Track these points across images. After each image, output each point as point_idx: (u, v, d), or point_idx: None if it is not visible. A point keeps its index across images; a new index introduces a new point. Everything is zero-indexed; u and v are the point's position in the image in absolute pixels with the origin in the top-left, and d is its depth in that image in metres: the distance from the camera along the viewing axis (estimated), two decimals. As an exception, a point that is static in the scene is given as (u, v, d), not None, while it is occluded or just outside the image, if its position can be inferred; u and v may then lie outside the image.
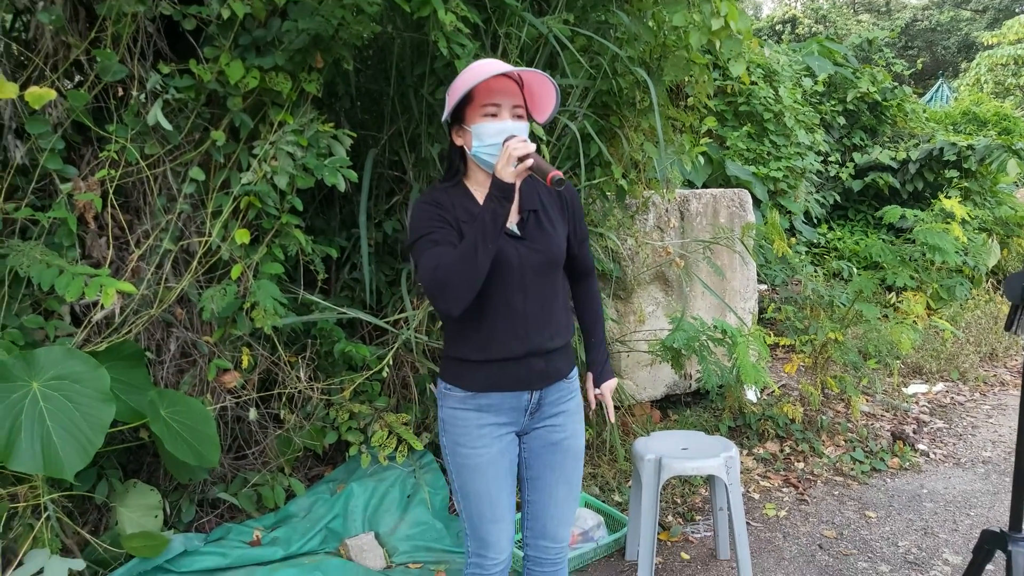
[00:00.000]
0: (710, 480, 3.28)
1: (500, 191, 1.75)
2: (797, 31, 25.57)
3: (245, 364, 2.98)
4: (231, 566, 2.79)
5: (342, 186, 2.87)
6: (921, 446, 4.48)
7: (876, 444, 4.41)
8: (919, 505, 3.76)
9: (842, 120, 9.05)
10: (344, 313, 3.22)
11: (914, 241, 4.31)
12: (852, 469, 4.15)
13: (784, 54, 8.75)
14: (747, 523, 3.51)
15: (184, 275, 2.87)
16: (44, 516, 2.42)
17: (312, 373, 3.24)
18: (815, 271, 6.58)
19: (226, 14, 2.63)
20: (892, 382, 5.65)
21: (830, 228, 8.66)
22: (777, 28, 25.94)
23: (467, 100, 1.90)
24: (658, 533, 3.28)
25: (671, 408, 4.84)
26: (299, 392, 3.20)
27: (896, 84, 9.49)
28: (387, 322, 3.36)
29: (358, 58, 3.40)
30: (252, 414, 3.09)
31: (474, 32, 3.08)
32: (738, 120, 7.45)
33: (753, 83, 7.41)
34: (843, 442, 4.46)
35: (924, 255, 4.36)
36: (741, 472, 4.00)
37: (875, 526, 3.54)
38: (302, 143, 2.82)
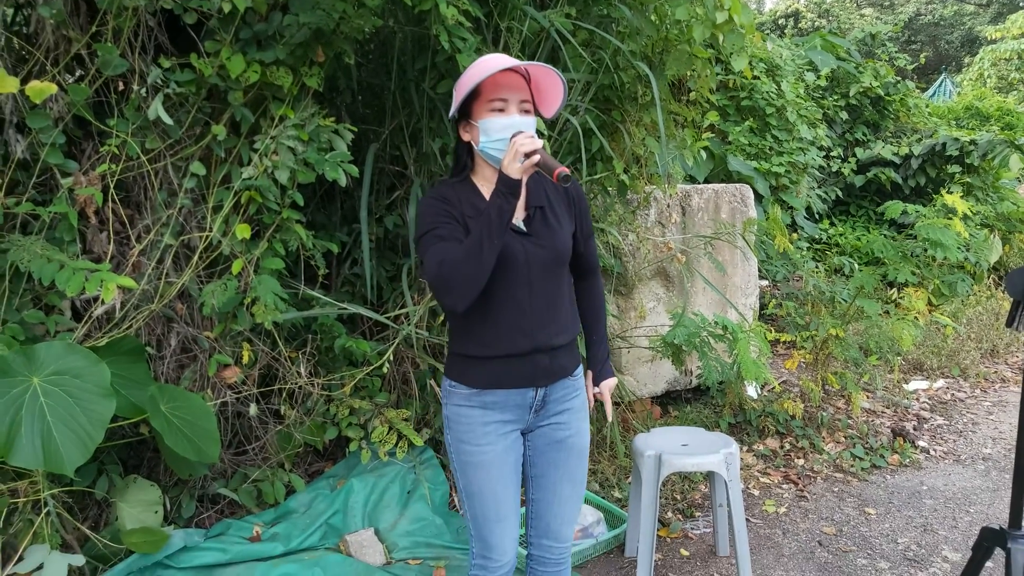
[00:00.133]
0: (710, 476, 3.28)
1: (507, 187, 1.75)
2: (800, 25, 25.49)
3: (245, 359, 2.98)
4: (231, 562, 2.79)
5: (343, 181, 2.86)
6: (921, 443, 4.48)
7: (876, 441, 4.41)
8: (919, 502, 3.76)
9: (844, 115, 9.03)
10: (345, 309, 3.22)
11: (916, 237, 4.30)
12: (852, 466, 4.15)
13: (787, 48, 8.72)
14: (747, 519, 3.52)
15: (185, 270, 2.87)
16: (44, 511, 2.42)
17: (312, 369, 3.24)
18: (816, 267, 6.56)
19: (227, 8, 2.62)
20: (893, 378, 5.65)
21: (832, 224, 8.65)
22: (780, 22, 25.86)
23: (474, 96, 1.89)
24: (658, 529, 3.28)
25: (671, 404, 4.84)
26: (299, 388, 3.20)
27: (899, 79, 9.46)
28: (388, 318, 3.36)
29: (359, 52, 3.38)
30: (252, 409, 3.09)
31: (476, 26, 3.07)
32: (740, 115, 7.43)
33: (755, 78, 7.39)
34: (843, 438, 4.46)
35: (926, 251, 4.35)
36: (741, 468, 4.00)
37: (875, 523, 3.55)
38: (303, 138, 2.82)
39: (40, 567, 2.33)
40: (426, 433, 3.42)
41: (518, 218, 1.95)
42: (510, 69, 1.85)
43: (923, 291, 4.75)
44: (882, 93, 9.13)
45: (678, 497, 3.76)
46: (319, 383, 3.20)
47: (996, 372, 6.03)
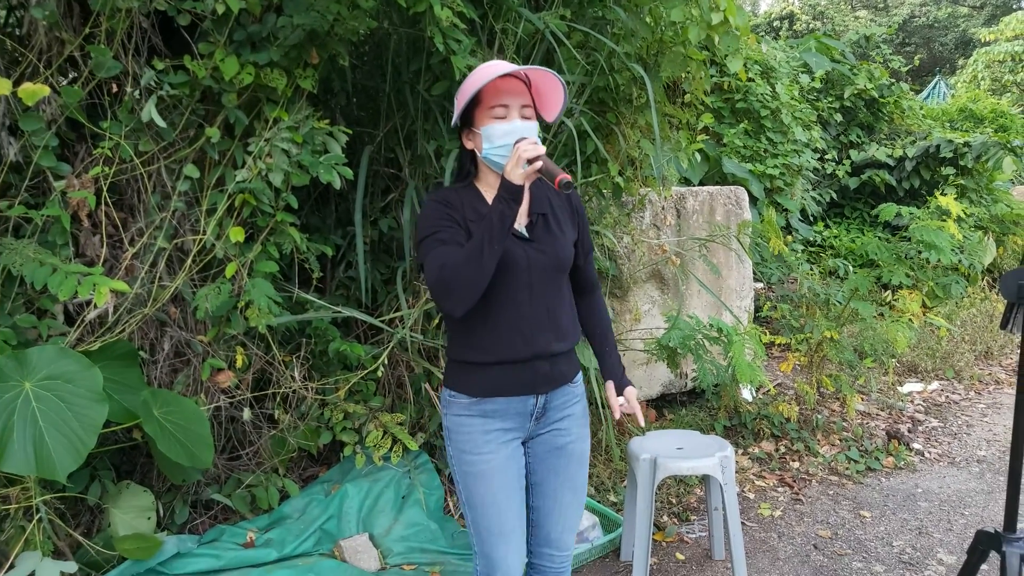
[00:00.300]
0: (705, 480, 3.28)
1: (509, 192, 1.74)
2: (795, 27, 25.54)
3: (239, 363, 2.97)
4: (225, 568, 2.78)
5: (337, 183, 2.85)
6: (916, 445, 4.48)
7: (871, 443, 4.42)
8: (914, 504, 3.76)
9: (839, 117, 9.04)
10: (339, 312, 3.20)
11: (910, 239, 4.31)
12: (847, 468, 4.15)
13: (781, 50, 8.73)
14: (742, 523, 3.51)
15: (178, 273, 2.85)
16: (36, 518, 2.40)
17: (307, 372, 3.23)
18: (811, 269, 6.58)
19: (221, 9, 2.60)
20: (887, 381, 5.66)
21: (826, 226, 8.66)
22: (775, 24, 25.91)
23: (475, 103, 1.89)
24: (653, 533, 3.28)
25: (667, 407, 4.84)
26: (293, 392, 3.19)
27: (893, 81, 9.48)
28: (382, 321, 3.34)
29: (354, 54, 3.37)
30: (246, 414, 3.07)
31: (470, 28, 3.06)
32: (735, 117, 7.44)
33: (750, 80, 7.40)
34: (838, 441, 4.46)
35: (920, 253, 4.36)
36: (736, 472, 4.00)
37: (870, 526, 3.55)
38: (297, 140, 2.81)
39: (32, 574, 2.32)
40: (421, 437, 3.41)
41: (521, 224, 1.95)
42: (510, 74, 1.85)
43: (917, 293, 4.76)
44: (876, 95, 9.15)
45: (673, 501, 3.75)
46: (313, 387, 3.19)
47: (990, 374, 6.04)
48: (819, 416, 4.62)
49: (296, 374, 3.14)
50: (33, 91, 2.36)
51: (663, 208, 4.69)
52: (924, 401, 5.35)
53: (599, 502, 3.59)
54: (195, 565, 2.74)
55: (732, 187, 5.20)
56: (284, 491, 3.20)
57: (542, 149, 1.75)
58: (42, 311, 2.62)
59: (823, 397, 5.05)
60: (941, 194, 4.98)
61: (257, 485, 3.15)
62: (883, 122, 9.38)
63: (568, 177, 1.70)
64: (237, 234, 2.79)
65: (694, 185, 6.32)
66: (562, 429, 2.04)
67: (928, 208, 4.59)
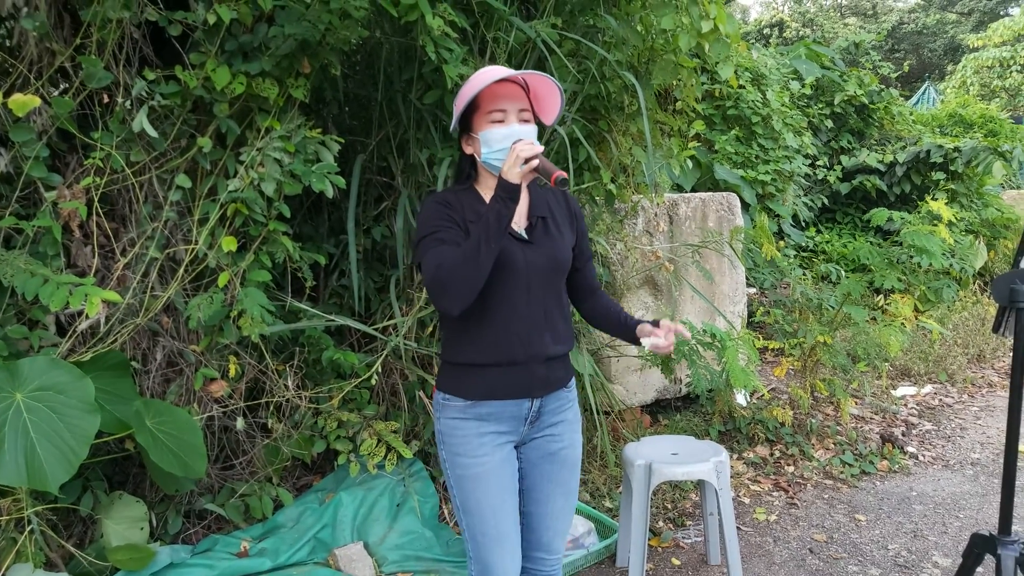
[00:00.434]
0: (700, 485, 3.28)
1: (506, 191, 1.75)
2: (784, 35, 25.70)
3: (232, 373, 2.96)
4: (219, 577, 2.76)
5: (330, 192, 2.85)
6: (910, 448, 4.49)
7: (865, 447, 4.42)
8: (908, 508, 3.77)
9: (829, 123, 9.09)
10: (332, 320, 3.20)
11: (901, 243, 4.32)
12: (842, 472, 4.15)
13: (772, 57, 8.78)
14: (737, 528, 3.51)
15: (170, 283, 2.84)
16: (28, 529, 2.39)
17: (300, 381, 3.22)
18: (803, 274, 6.59)
19: (212, 20, 2.61)
20: (881, 384, 5.67)
21: (818, 231, 8.69)
22: (765, 32, 26.07)
23: (473, 108, 1.91)
24: (649, 539, 3.27)
25: (661, 413, 4.84)
26: (287, 401, 3.18)
27: (883, 87, 9.54)
28: (376, 329, 3.34)
29: (346, 63, 3.38)
30: (239, 423, 3.06)
31: (462, 37, 3.08)
32: (726, 124, 7.47)
33: (741, 87, 7.43)
34: (832, 445, 4.46)
35: (911, 257, 4.37)
36: (731, 476, 4.00)
37: (865, 529, 3.55)
38: (289, 149, 2.81)
39: (24, 586, 2.30)
40: (415, 445, 3.40)
41: (521, 227, 1.96)
42: (507, 79, 1.87)
43: (909, 297, 4.77)
44: (866, 101, 9.21)
45: (669, 506, 3.75)
46: (307, 396, 3.18)
47: (983, 377, 6.07)
48: (813, 420, 4.63)
49: (289, 383, 3.13)
50: (24, 102, 2.36)
51: (656, 215, 4.71)
52: (918, 404, 5.37)
53: (594, 508, 3.59)
54: (189, 575, 2.72)
55: (724, 193, 5.22)
56: (278, 500, 3.19)
57: (539, 148, 1.77)
58: (34, 322, 2.61)
59: (817, 401, 5.06)
60: (932, 199, 5.01)
61: (251, 494, 3.13)
62: (873, 128, 9.43)
63: (564, 174, 1.72)
64: (229, 243, 2.79)
65: (686, 192, 6.34)
66: (555, 435, 2.04)
67: (919, 213, 4.61)
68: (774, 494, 3.94)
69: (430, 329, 3.46)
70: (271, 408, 3.19)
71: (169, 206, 2.82)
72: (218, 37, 2.70)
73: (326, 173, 2.84)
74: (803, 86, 8.89)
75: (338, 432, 3.21)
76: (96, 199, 2.66)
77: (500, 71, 1.86)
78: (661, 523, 3.59)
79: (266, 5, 2.63)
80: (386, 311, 3.46)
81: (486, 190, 1.98)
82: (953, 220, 4.62)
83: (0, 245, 2.57)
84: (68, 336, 2.58)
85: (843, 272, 4.96)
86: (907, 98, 16.19)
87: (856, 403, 5.24)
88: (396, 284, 3.41)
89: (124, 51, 2.73)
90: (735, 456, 4.31)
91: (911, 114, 10.20)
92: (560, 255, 1.98)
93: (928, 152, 8.45)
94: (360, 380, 3.22)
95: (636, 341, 2.02)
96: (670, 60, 3.73)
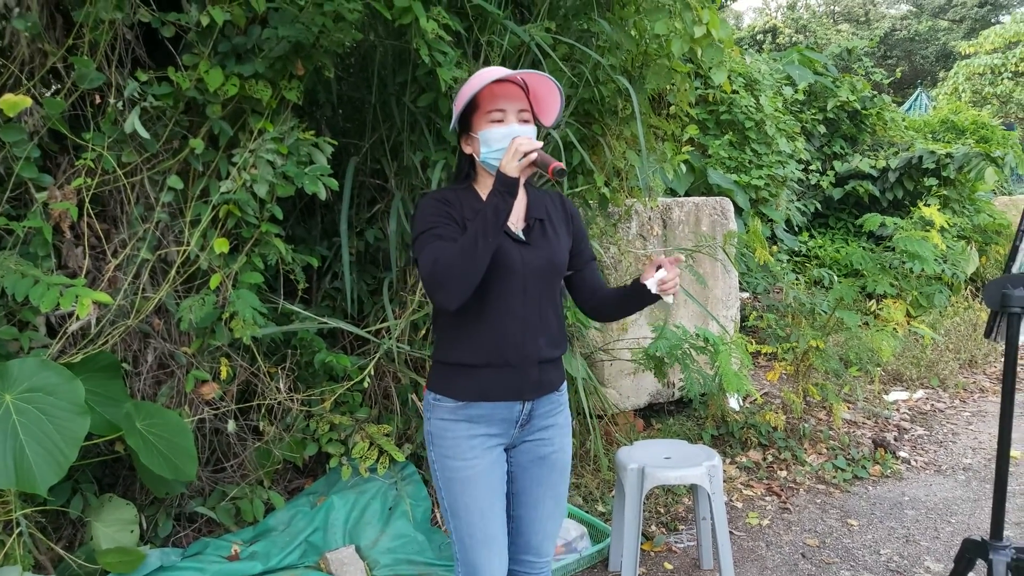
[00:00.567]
0: (693, 489, 3.28)
1: (504, 185, 1.76)
2: (778, 41, 25.80)
3: (224, 375, 2.94)
4: (209, 581, 2.75)
5: (323, 194, 2.84)
6: (902, 453, 4.50)
7: (858, 452, 4.43)
8: (901, 513, 3.77)
9: (822, 129, 9.12)
10: (325, 323, 3.19)
11: (894, 249, 4.34)
12: (834, 477, 4.16)
13: (765, 63, 8.81)
14: (730, 532, 3.51)
15: (162, 285, 2.83)
16: (16, 532, 2.37)
17: (292, 384, 3.21)
18: (796, 279, 6.60)
19: (205, 21, 2.60)
20: (873, 389, 5.69)
21: (811, 236, 8.72)
22: (758, 38, 26.16)
23: (473, 108, 1.92)
24: (641, 543, 3.27)
25: (654, 417, 4.84)
26: (279, 403, 3.16)
27: (875, 93, 9.58)
28: (369, 332, 3.33)
29: (339, 66, 3.37)
30: (231, 426, 3.05)
31: (456, 40, 3.07)
32: (720, 128, 7.49)
33: (734, 92, 7.45)
34: (825, 450, 4.47)
35: (904, 263, 4.39)
36: (724, 481, 4.00)
37: (857, 534, 3.55)
38: (282, 151, 2.80)
39: (12, 589, 2.28)
40: (407, 449, 3.39)
41: (518, 228, 1.96)
42: (506, 79, 1.88)
43: (901, 302, 4.79)
44: (859, 107, 9.24)
45: (662, 510, 3.74)
46: (299, 398, 3.17)
47: (975, 382, 6.08)
48: (806, 425, 4.63)
49: (281, 385, 3.12)
50: (15, 102, 2.35)
51: (649, 219, 4.71)
52: (910, 409, 5.38)
53: (587, 512, 3.58)
54: (179, 579, 2.71)
55: (717, 198, 5.23)
56: (269, 503, 3.17)
57: (539, 144, 1.77)
58: (24, 323, 2.59)
59: (809, 406, 5.07)
60: (924, 204, 5.02)
61: (242, 497, 3.12)
62: (866, 134, 9.47)
63: (561, 165, 1.72)
64: (221, 245, 2.78)
65: (680, 196, 6.34)
66: (546, 438, 2.04)
67: (911, 218, 4.62)
68: (767, 499, 3.94)
69: (423, 332, 3.46)
70: (263, 411, 3.17)
71: (161, 207, 2.80)
72: (211, 39, 2.69)
73: (319, 175, 2.84)
74: (796, 92, 8.93)
75: (330, 435, 3.20)
76: (87, 200, 2.64)
77: (500, 71, 1.87)
78: (654, 527, 3.59)
79: (259, 7, 2.62)
80: (379, 314, 3.45)
81: (484, 190, 1.98)
82: (945, 226, 4.62)
83: (-10, 246, 2.56)
84: (58, 337, 2.57)
85: (836, 277, 4.97)
86: (899, 104, 16.26)
87: (848, 408, 5.25)
88: (389, 287, 3.40)
89: (116, 52, 2.72)
90: (728, 460, 4.31)
91: (903, 120, 10.24)
92: (557, 258, 1.98)
93: (920, 158, 8.49)
94: (352, 383, 3.20)
95: (650, 295, 1.92)
96: (664, 65, 3.74)
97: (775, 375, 4.58)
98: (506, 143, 1.84)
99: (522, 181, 1.81)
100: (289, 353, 3.22)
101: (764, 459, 4.34)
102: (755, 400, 4.98)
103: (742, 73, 7.63)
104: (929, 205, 4.98)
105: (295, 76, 2.84)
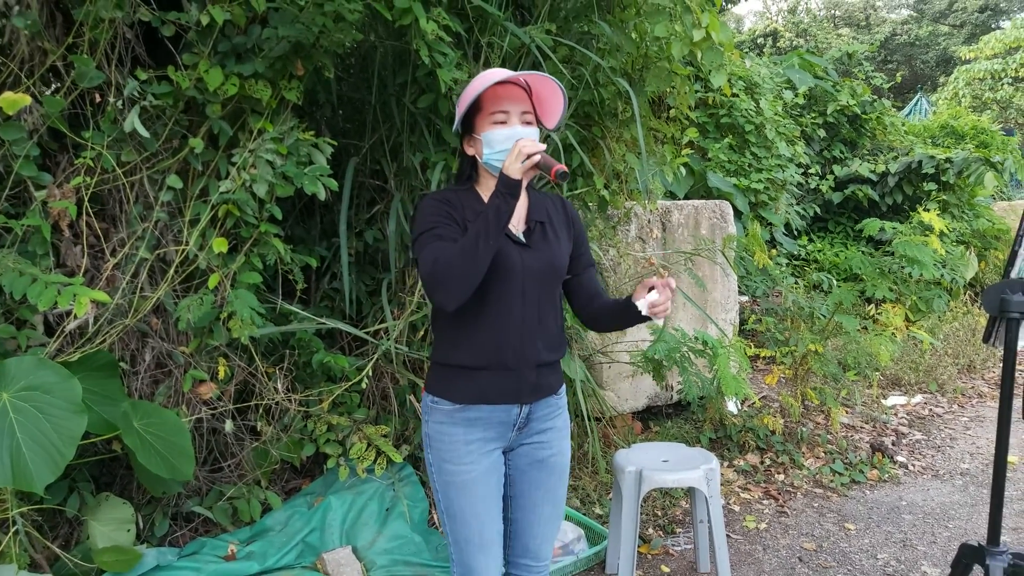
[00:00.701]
0: (691, 492, 3.28)
1: (507, 187, 1.75)
2: (778, 44, 25.84)
3: (221, 375, 2.94)
4: (205, 581, 2.74)
5: (322, 195, 2.84)
6: (900, 458, 4.50)
7: (855, 456, 4.43)
8: (898, 517, 3.77)
9: (822, 133, 9.13)
10: (323, 323, 3.19)
11: (893, 253, 4.34)
12: (832, 481, 4.15)
13: (765, 67, 8.82)
14: (727, 535, 3.51)
15: (160, 284, 2.83)
16: (12, 530, 2.37)
17: (290, 384, 3.20)
18: (795, 283, 6.61)
19: (205, 21, 2.60)
20: (871, 394, 5.68)
21: (810, 240, 8.72)
22: (759, 42, 26.21)
23: (476, 109, 1.91)
24: (638, 546, 3.27)
25: (652, 419, 4.84)
26: (276, 403, 3.16)
27: (875, 97, 9.59)
28: (367, 332, 3.33)
29: (339, 66, 3.37)
30: (228, 426, 3.04)
31: (456, 41, 3.08)
32: (720, 132, 7.49)
33: (735, 95, 7.46)
34: (823, 454, 4.47)
35: (903, 267, 4.39)
36: (722, 484, 4.00)
37: (854, 538, 3.55)
38: (282, 151, 2.80)
39: (7, 588, 2.28)
40: (405, 450, 3.39)
41: (519, 230, 1.96)
42: (510, 81, 1.88)
43: (900, 307, 4.79)
44: (859, 111, 9.25)
45: (659, 513, 3.74)
46: (296, 399, 3.17)
47: (973, 387, 6.08)
48: (804, 429, 4.63)
49: (279, 386, 3.12)
50: (14, 100, 2.35)
51: (649, 221, 4.71)
52: (908, 414, 5.38)
53: (584, 514, 3.58)
54: (175, 579, 2.71)
55: (717, 201, 5.23)
56: (266, 503, 3.17)
57: (542, 146, 1.77)
58: (21, 321, 2.59)
59: (808, 410, 5.07)
60: (924, 209, 5.03)
61: (239, 497, 3.11)
62: (865, 138, 9.48)
63: (564, 168, 1.72)
64: (220, 245, 2.78)
65: (679, 199, 6.35)
66: (544, 442, 2.03)
67: (911, 223, 4.64)
68: (764, 502, 3.94)
69: (421, 333, 3.45)
70: (260, 411, 3.17)
71: (160, 207, 2.80)
72: (211, 38, 2.69)
73: (318, 175, 2.83)
74: (796, 95, 8.94)
75: (328, 435, 3.20)
76: (86, 199, 2.64)
77: (504, 72, 1.87)
78: (651, 530, 3.58)
79: (260, 7, 2.62)
80: (377, 315, 3.45)
81: (486, 191, 1.98)
82: (944, 231, 4.64)
83: (-11, 244, 2.55)
84: (56, 336, 2.57)
85: (835, 281, 4.98)
86: (899, 109, 16.29)
87: (846, 412, 5.24)
88: (388, 288, 3.40)
89: (116, 51, 2.72)
90: (725, 464, 4.31)
91: (903, 125, 10.25)
92: (557, 261, 1.98)
93: (920, 163, 8.49)
94: (351, 384, 3.20)
95: (641, 315, 1.90)
96: (664, 67, 3.74)
97: (773, 379, 4.58)
98: (509, 145, 1.84)
99: (524, 183, 1.81)
100: (287, 353, 3.22)
101: (762, 463, 4.34)
102: (753, 404, 4.98)
103: (742, 76, 7.64)
104: (928, 210, 4.99)
105: (295, 76, 2.84)
